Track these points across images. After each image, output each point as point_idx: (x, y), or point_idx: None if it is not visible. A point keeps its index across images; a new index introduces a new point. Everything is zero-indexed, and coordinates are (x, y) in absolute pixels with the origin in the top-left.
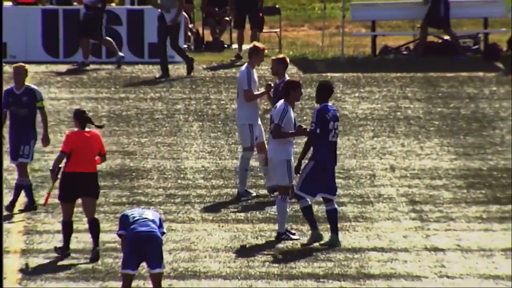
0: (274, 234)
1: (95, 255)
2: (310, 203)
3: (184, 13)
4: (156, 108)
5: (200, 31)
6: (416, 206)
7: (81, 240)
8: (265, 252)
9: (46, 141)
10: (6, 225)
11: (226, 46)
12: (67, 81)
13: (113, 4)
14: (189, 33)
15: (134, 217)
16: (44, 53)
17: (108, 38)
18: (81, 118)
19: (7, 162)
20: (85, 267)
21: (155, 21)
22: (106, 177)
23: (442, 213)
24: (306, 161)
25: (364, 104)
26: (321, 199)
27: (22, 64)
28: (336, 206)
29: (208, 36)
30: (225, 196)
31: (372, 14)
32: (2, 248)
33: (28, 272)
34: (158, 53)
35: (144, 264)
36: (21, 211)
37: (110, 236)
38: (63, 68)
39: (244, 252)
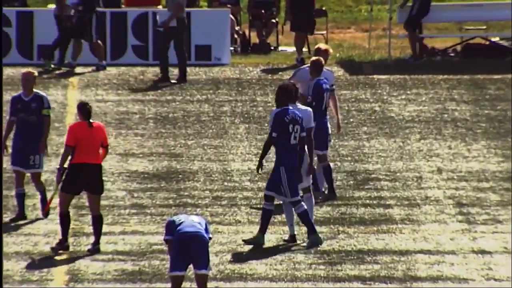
0: (320, 236)
1: (94, 252)
2: (271, 208)
3: (230, 15)
4: (203, 110)
5: (247, 33)
6: (463, 209)
7: (128, 242)
8: (312, 254)
9: (43, 149)
10: (53, 227)
11: (272, 48)
12: (114, 84)
13: (160, 7)
14: (236, 35)
15: (180, 220)
16: (91, 56)
17: (99, 41)
18: (84, 110)
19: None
20: (132, 269)
21: (201, 24)
22: (153, 179)
23: (489, 215)
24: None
25: (411, 106)
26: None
27: (31, 70)
28: (305, 206)
29: (254, 38)
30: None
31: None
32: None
33: (75, 274)
34: (159, 56)
35: (191, 266)
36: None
37: (156, 238)
38: (110, 70)
39: (291, 254)
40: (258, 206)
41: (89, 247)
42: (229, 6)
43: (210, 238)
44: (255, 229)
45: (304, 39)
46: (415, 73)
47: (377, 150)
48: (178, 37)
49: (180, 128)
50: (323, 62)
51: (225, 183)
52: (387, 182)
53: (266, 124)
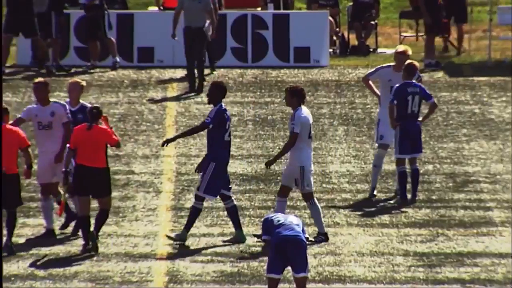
0: (419, 238)
1: (93, 247)
2: (201, 207)
3: (329, 17)
4: None
5: (346, 35)
6: None
7: (227, 243)
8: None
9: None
10: (153, 228)
11: (371, 50)
12: None
13: (259, 9)
14: (334, 37)
15: (278, 221)
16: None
17: (111, 38)
18: (89, 113)
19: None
20: (231, 270)
21: (300, 26)
22: (252, 180)
23: None
24: None
25: (511, 108)
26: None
27: (78, 80)
28: (235, 202)
29: (353, 40)
30: (369, 201)
31: None
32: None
33: (174, 275)
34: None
35: (289, 267)
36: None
37: (255, 239)
38: (208, 72)
39: (389, 256)
40: (357, 208)
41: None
42: (328, 8)
43: (307, 239)
44: (354, 231)
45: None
46: None
47: (476, 152)
48: (204, 41)
49: (279, 130)
50: (417, 66)
51: (324, 185)
52: (487, 185)
53: (365, 126)
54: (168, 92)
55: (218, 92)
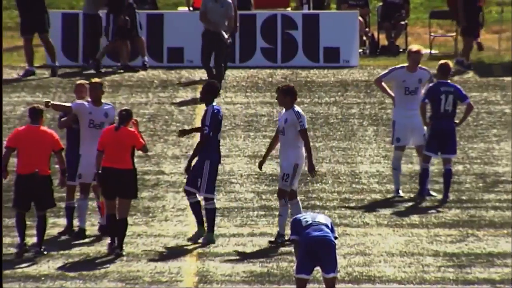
0: (449, 239)
1: (117, 256)
2: (215, 205)
3: (359, 17)
4: (331, 112)
5: (375, 35)
6: None
7: (256, 243)
8: (440, 257)
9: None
10: (183, 228)
11: (401, 50)
12: (243, 86)
13: (289, 9)
14: (364, 37)
15: (307, 221)
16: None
17: (142, 37)
18: (119, 115)
19: None
20: (260, 271)
21: (330, 26)
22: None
23: None
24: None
25: None
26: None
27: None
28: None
29: (383, 40)
30: (399, 201)
31: None
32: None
33: (204, 275)
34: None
35: (318, 267)
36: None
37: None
38: (238, 72)
39: (419, 257)
40: (387, 208)
41: (116, 251)
42: (358, 8)
43: (336, 238)
44: (383, 231)
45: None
46: None
47: (506, 153)
48: (223, 45)
49: (308, 130)
50: (451, 65)
51: (353, 185)
52: None
53: None
54: (197, 92)
55: (210, 92)
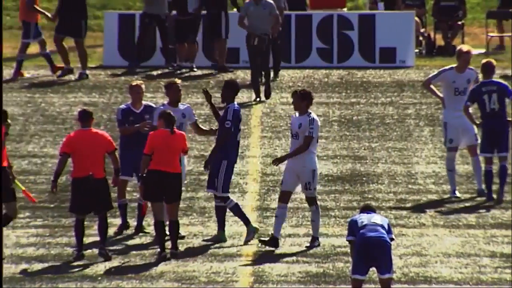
0: (506, 240)
1: (173, 255)
2: (235, 201)
3: (415, 18)
4: (387, 112)
5: (432, 35)
6: None
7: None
8: (497, 258)
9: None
10: (238, 229)
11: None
12: (299, 86)
13: (345, 9)
14: (421, 38)
15: (362, 222)
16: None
17: (196, 42)
18: (168, 118)
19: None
20: (316, 271)
21: (386, 26)
22: (337, 181)
23: None
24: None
25: None
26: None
27: (140, 82)
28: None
29: (439, 41)
30: (456, 201)
31: None
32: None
33: (259, 275)
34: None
35: (374, 268)
36: (116, 233)
37: (340, 240)
38: (294, 73)
39: (476, 257)
40: (443, 209)
41: (172, 251)
42: (414, 8)
43: (392, 239)
44: (439, 232)
45: None
46: None
47: None
48: (268, 48)
49: (364, 131)
50: (494, 64)
51: (410, 186)
52: None
53: None
54: (253, 92)
55: (230, 91)
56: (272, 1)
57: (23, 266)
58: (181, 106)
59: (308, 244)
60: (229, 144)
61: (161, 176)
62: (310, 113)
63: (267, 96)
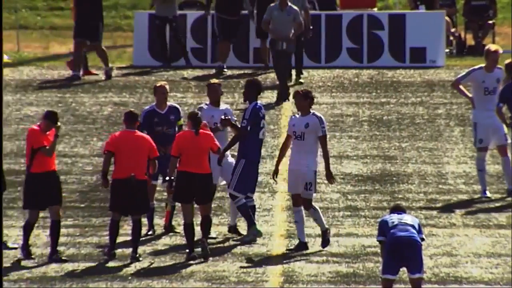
0: None
1: (204, 254)
2: (244, 201)
3: (446, 17)
4: (417, 112)
5: (462, 35)
6: None
7: (342, 244)
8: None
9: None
10: (268, 228)
11: None
12: (329, 86)
13: (375, 9)
14: (451, 37)
15: (393, 222)
16: (305, 58)
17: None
18: (195, 119)
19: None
20: (346, 271)
21: (416, 26)
22: (367, 181)
23: None
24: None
25: None
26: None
27: (164, 83)
28: (255, 202)
29: (470, 40)
30: (486, 201)
31: None
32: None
33: (290, 275)
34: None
35: (404, 268)
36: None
37: (370, 240)
38: (324, 72)
39: (507, 258)
40: (473, 209)
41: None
42: (445, 7)
43: (423, 239)
44: (470, 232)
45: None
46: None
47: None
48: (289, 54)
49: (394, 131)
50: None
51: (440, 186)
52: None
53: None
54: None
55: (253, 90)
56: (297, 8)
57: (54, 266)
58: (222, 106)
59: (323, 243)
60: (249, 143)
61: (189, 177)
62: (314, 112)
63: (286, 98)
